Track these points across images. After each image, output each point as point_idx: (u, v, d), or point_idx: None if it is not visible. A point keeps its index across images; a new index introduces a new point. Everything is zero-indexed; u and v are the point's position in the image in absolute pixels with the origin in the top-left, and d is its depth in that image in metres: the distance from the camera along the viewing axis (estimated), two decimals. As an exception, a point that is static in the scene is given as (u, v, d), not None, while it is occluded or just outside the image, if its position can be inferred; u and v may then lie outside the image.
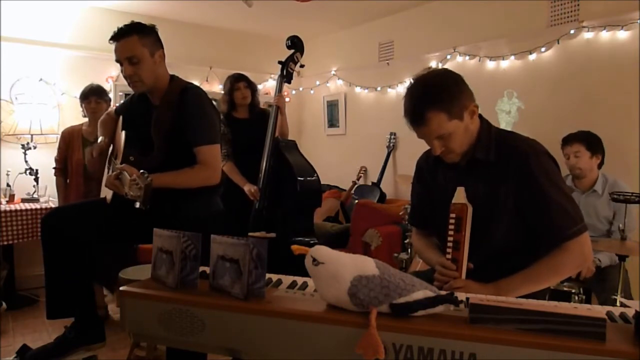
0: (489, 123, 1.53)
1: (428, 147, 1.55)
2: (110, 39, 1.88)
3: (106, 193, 1.93)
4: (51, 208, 3.36)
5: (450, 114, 1.38)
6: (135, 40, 1.85)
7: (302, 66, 3.38)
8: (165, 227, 1.23)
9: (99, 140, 2.09)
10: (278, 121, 3.21)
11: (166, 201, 1.79)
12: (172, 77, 2.01)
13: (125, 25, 1.87)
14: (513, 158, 1.43)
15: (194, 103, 1.92)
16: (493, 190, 1.45)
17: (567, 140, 2.74)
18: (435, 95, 1.38)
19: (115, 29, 1.87)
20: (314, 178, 3.20)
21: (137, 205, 1.57)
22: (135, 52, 1.85)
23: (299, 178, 3.09)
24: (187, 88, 1.96)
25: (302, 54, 3.30)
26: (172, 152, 1.90)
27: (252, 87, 3.33)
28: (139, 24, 1.90)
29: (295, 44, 3.25)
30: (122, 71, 1.90)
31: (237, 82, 3.26)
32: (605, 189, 2.66)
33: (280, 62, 3.26)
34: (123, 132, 1.99)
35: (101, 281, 3.12)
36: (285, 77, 3.25)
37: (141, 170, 1.60)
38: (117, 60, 1.88)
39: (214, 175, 1.93)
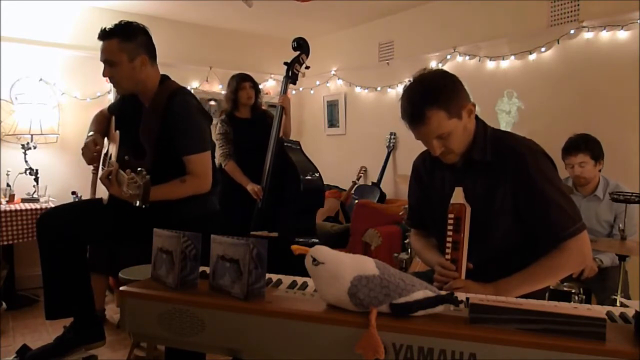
0: (484, 123, 1.53)
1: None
2: (98, 38, 1.86)
3: (102, 193, 1.92)
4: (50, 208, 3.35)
5: (450, 113, 1.38)
6: (114, 44, 1.82)
7: (307, 67, 3.38)
8: (162, 227, 1.23)
9: (89, 134, 2.04)
10: (282, 121, 3.22)
11: (161, 203, 1.78)
12: (163, 79, 1.96)
13: (110, 27, 1.84)
14: (510, 158, 1.43)
15: (180, 111, 1.87)
16: (490, 190, 1.45)
17: (570, 150, 2.62)
18: (434, 94, 1.37)
19: (100, 28, 1.84)
20: (316, 178, 3.20)
21: (137, 203, 1.55)
22: (112, 56, 1.82)
23: (302, 178, 3.09)
24: (175, 94, 1.91)
25: (307, 55, 3.32)
26: (161, 158, 1.87)
27: (256, 87, 3.37)
28: (125, 26, 1.85)
29: (301, 45, 3.28)
30: None
31: (243, 82, 3.28)
32: (606, 193, 2.61)
33: (285, 63, 3.27)
34: (117, 132, 1.98)
35: (104, 270, 3.03)
36: (291, 78, 3.27)
37: (139, 168, 1.57)
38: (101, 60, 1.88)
39: (204, 184, 1.92)
